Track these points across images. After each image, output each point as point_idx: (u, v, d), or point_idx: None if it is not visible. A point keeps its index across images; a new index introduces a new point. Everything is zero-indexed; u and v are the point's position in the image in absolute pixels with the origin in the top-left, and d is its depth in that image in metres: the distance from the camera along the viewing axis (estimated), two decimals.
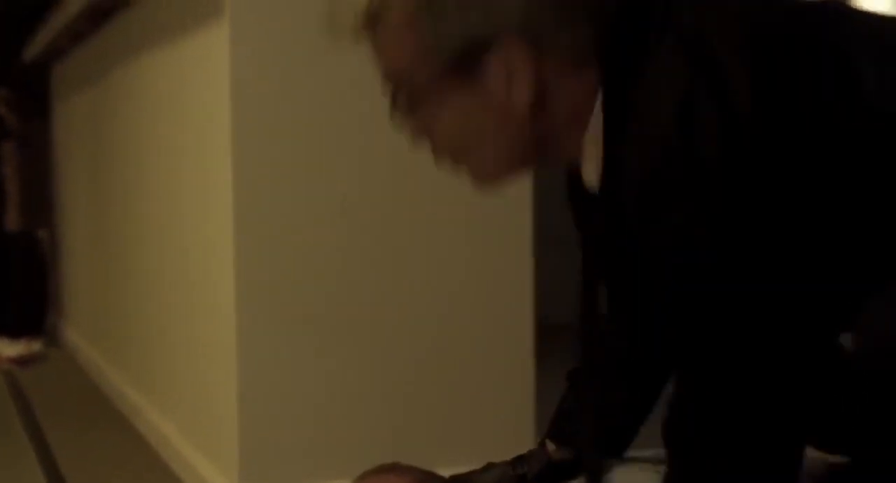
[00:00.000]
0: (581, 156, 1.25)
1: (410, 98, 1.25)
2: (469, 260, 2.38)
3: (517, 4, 1.19)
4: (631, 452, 1.55)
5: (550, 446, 1.56)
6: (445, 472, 1.56)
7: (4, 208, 5.03)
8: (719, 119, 1.09)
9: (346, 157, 2.29)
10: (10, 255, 4.91)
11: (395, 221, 2.32)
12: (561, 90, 1.22)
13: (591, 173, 1.25)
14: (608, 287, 1.35)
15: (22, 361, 4.44)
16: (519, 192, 2.41)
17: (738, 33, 1.15)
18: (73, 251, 4.69)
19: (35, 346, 4.61)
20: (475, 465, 1.56)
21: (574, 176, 1.32)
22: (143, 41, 3.08)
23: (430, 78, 1.23)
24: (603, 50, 1.20)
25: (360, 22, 1.24)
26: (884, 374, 1.18)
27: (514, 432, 2.38)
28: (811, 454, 1.27)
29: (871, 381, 1.19)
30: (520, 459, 1.57)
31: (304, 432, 2.27)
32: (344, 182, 2.28)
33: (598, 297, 1.35)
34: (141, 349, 3.26)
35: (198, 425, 2.58)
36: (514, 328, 2.42)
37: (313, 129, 2.26)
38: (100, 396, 3.73)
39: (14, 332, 5.07)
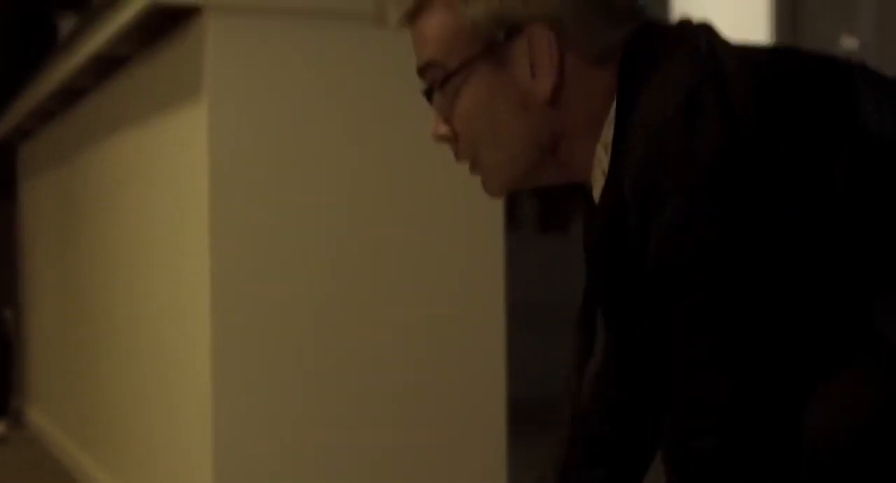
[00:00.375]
0: (591, 167, 1.31)
1: (442, 79, 1.32)
2: (441, 331, 2.41)
3: None
4: None
5: None
6: None
7: None
8: (721, 118, 1.15)
9: (323, 238, 2.32)
10: None
11: (370, 293, 2.35)
12: (580, 88, 1.29)
13: (599, 181, 1.30)
14: (604, 308, 1.39)
15: None
16: (491, 266, 2.44)
17: (746, 55, 1.24)
18: (39, 331, 4.68)
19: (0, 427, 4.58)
20: None
21: (588, 201, 1.38)
22: (117, 122, 3.12)
23: (463, 58, 1.31)
24: (623, 55, 1.27)
25: (407, 7, 1.33)
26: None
27: None
28: None
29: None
30: None
31: None
32: (320, 261, 2.31)
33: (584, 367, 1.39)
34: (113, 429, 3.26)
35: None
36: (486, 406, 2.44)
37: (290, 209, 2.29)
38: (67, 479, 3.70)
39: None
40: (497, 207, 2.46)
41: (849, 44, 6.82)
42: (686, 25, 1.30)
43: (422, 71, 1.36)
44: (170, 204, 2.57)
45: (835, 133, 1.18)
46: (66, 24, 5.31)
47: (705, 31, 1.28)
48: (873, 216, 1.18)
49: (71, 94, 3.65)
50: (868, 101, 1.21)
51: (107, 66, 3.05)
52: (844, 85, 1.23)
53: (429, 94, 1.36)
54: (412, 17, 1.34)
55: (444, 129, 1.38)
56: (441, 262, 2.41)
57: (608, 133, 1.28)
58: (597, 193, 1.32)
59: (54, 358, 4.29)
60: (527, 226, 6.27)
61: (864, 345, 1.17)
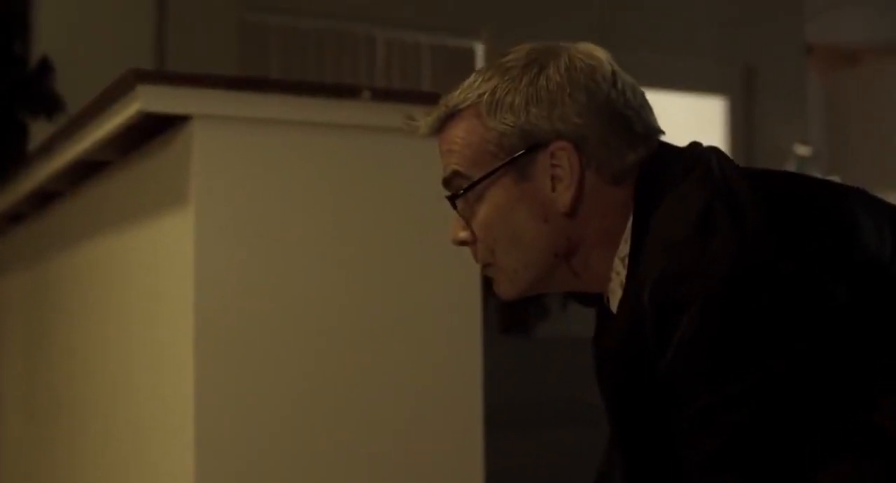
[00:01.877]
0: (607, 278, 1.39)
1: (466, 187, 1.41)
2: (419, 434, 2.45)
3: (577, 113, 1.36)
4: None
5: None
6: None
7: None
8: (733, 235, 1.23)
9: (311, 345, 2.36)
10: None
11: (350, 407, 2.39)
12: (597, 203, 1.38)
13: (617, 292, 1.37)
14: (615, 425, 1.46)
15: None
16: (469, 367, 2.50)
17: (752, 177, 1.33)
18: (5, 430, 4.66)
19: None
20: None
21: (601, 310, 1.45)
22: (94, 225, 3.16)
23: (487, 168, 1.40)
24: (640, 174, 1.37)
25: (439, 116, 1.43)
26: None
27: None
28: None
29: None
30: None
31: None
32: (306, 368, 2.36)
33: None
34: None
35: None
36: None
37: (277, 315, 2.34)
38: None
39: None
40: (474, 309, 2.52)
41: (802, 151, 6.99)
42: (697, 148, 1.40)
43: (447, 180, 1.44)
44: (152, 309, 2.61)
45: (839, 251, 1.26)
46: (37, 127, 5.38)
47: (715, 154, 1.37)
48: (873, 331, 1.25)
49: (44, 198, 3.69)
50: (867, 222, 1.30)
51: (84, 170, 3.10)
52: (844, 207, 1.32)
53: (452, 200, 1.44)
54: (443, 125, 1.43)
55: (463, 234, 1.46)
56: (419, 363, 2.47)
57: (624, 247, 1.35)
58: (614, 304, 1.39)
59: (23, 457, 4.27)
60: (488, 327, 6.31)
61: (864, 436, 1.23)
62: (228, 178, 2.34)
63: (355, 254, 2.43)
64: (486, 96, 1.40)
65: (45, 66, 5.29)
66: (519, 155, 1.38)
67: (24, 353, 4.24)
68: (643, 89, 1.43)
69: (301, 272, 2.37)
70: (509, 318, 6.09)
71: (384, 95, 2.47)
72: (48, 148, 3.11)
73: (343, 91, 2.44)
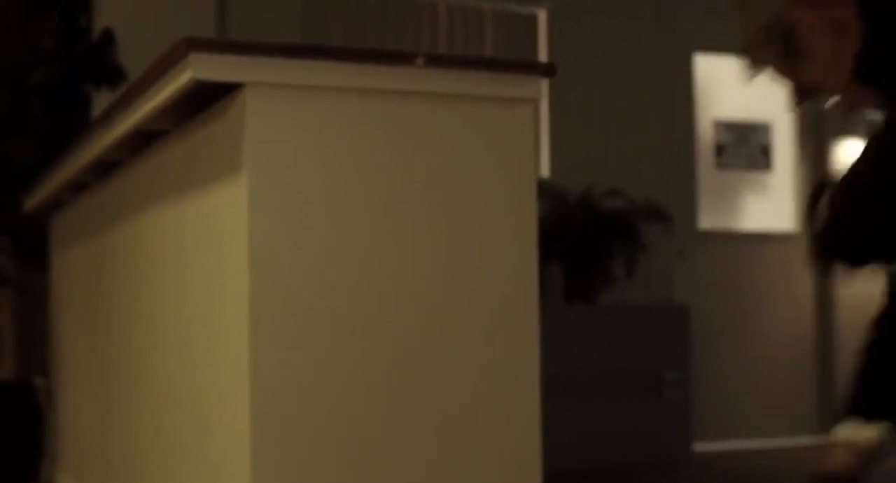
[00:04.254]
0: None
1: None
2: (475, 407, 2.44)
3: None
4: None
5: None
6: None
7: (0, 356, 5.07)
8: None
9: (366, 312, 2.36)
10: (6, 403, 4.94)
11: (408, 373, 2.38)
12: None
13: None
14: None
15: None
16: (526, 335, 2.48)
17: None
18: (69, 399, 4.72)
19: None
20: None
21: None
22: (152, 196, 3.17)
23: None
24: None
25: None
26: None
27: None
28: None
29: None
30: None
31: None
32: (363, 338, 2.35)
33: None
34: None
35: None
36: (521, 476, 2.47)
37: (331, 284, 2.34)
38: None
39: (9, 480, 5.07)
40: (531, 277, 2.50)
41: None
42: None
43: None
44: (206, 280, 2.62)
45: None
46: (99, 98, 5.42)
47: None
48: None
49: (105, 167, 3.72)
50: None
51: (143, 140, 3.12)
52: None
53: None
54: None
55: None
56: (476, 331, 2.45)
57: None
58: None
59: (84, 425, 4.32)
60: (554, 296, 6.30)
61: None
62: (282, 146, 2.33)
63: (411, 222, 2.41)
64: None
65: (108, 38, 5.32)
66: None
67: (87, 323, 4.28)
68: None
69: (356, 241, 2.36)
70: (573, 286, 6.06)
71: (438, 61, 2.45)
72: (107, 117, 3.12)
73: (397, 57, 2.42)
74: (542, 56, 6.61)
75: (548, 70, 2.53)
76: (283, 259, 2.31)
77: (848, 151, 7.04)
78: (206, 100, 2.56)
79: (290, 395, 2.30)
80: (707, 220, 6.88)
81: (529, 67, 2.51)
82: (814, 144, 7.12)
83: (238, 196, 2.36)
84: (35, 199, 4.79)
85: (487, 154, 2.50)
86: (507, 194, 2.51)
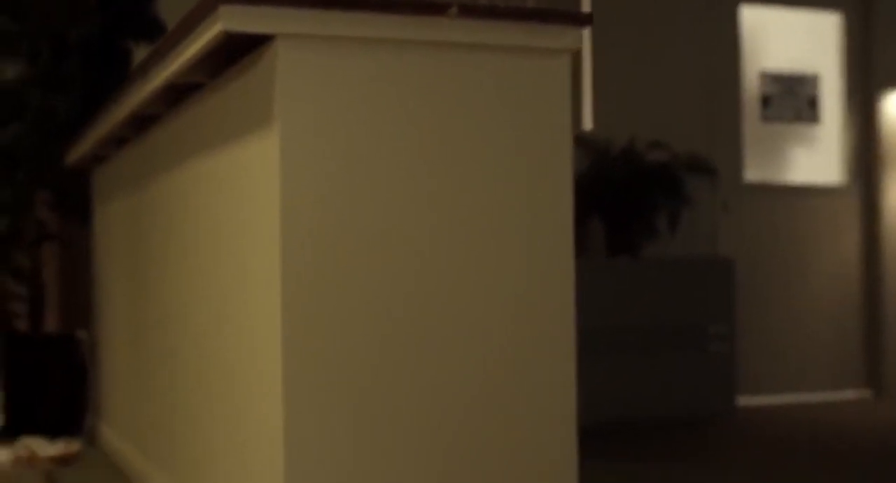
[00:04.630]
0: None
1: None
2: (510, 355, 2.43)
3: None
4: None
5: None
6: None
7: (44, 310, 5.10)
8: None
9: (397, 266, 2.34)
10: (50, 356, 4.98)
11: (438, 319, 2.37)
12: None
13: None
14: None
15: (62, 461, 4.47)
16: (561, 291, 2.46)
17: None
18: (111, 352, 4.75)
19: (73, 446, 4.64)
20: None
21: None
22: (188, 149, 3.17)
23: None
24: None
25: None
26: None
27: None
28: None
29: None
30: None
31: None
32: (393, 288, 2.34)
33: None
34: (181, 449, 3.30)
35: None
36: (556, 429, 2.45)
37: (364, 237, 2.32)
38: None
39: (53, 432, 5.12)
40: (566, 232, 2.47)
41: None
42: None
43: None
44: (239, 233, 2.61)
45: None
46: (139, 52, 5.41)
47: None
48: None
49: (143, 121, 3.72)
50: None
51: (179, 93, 3.11)
52: None
53: None
54: None
55: None
56: (511, 283, 2.43)
57: None
58: None
59: (125, 378, 4.35)
60: (596, 250, 6.27)
61: None
62: (313, 97, 2.31)
63: (444, 175, 2.39)
64: None
65: None
66: None
67: (126, 277, 4.30)
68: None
69: (388, 192, 2.35)
70: (616, 240, 6.03)
71: (472, 11, 2.41)
72: (143, 70, 3.11)
73: (430, 7, 2.39)
74: (586, 6, 6.53)
75: (584, 19, 2.49)
76: (315, 210, 2.30)
77: None
78: (239, 52, 2.54)
79: (321, 343, 2.29)
80: (752, 173, 6.81)
81: (564, 17, 2.47)
82: (862, 96, 7.02)
83: (270, 148, 2.34)
84: (76, 153, 4.80)
85: (522, 106, 2.47)
86: (542, 147, 2.47)
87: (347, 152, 2.33)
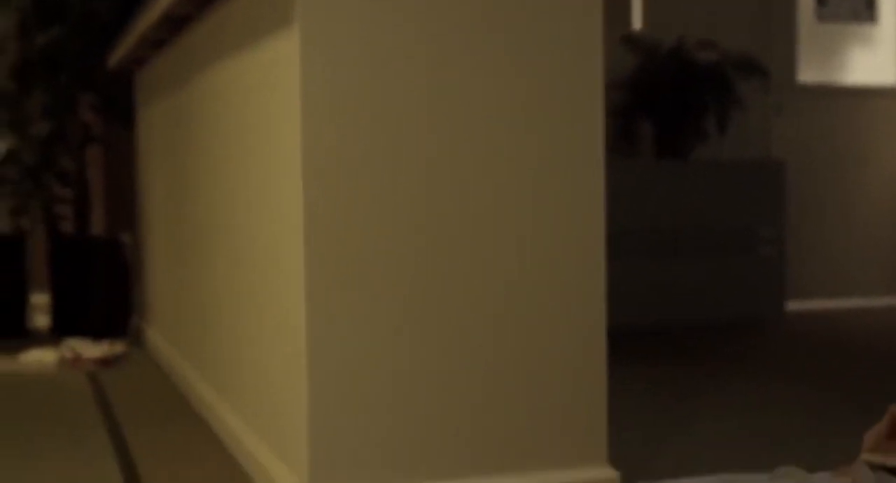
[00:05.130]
0: None
1: None
2: (541, 261, 2.40)
3: None
4: None
5: None
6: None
7: (89, 212, 5.13)
8: None
9: (418, 164, 2.31)
10: (95, 259, 5.02)
11: (461, 226, 2.34)
12: None
13: None
14: None
15: (105, 362, 4.53)
16: (590, 195, 2.42)
17: None
18: (153, 254, 4.78)
19: (118, 347, 4.70)
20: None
21: None
22: (217, 49, 3.14)
23: None
24: None
25: None
26: None
27: (587, 428, 2.40)
28: None
29: None
30: None
31: (376, 432, 2.30)
32: (415, 191, 2.31)
33: None
34: (214, 348, 3.32)
35: (269, 425, 2.63)
36: (586, 328, 2.43)
37: (384, 135, 2.29)
38: (177, 396, 3.80)
39: (98, 334, 5.18)
40: (597, 132, 2.42)
41: None
42: None
43: None
44: (266, 133, 2.59)
45: None
46: None
47: None
48: None
49: (177, 22, 3.69)
50: None
51: None
52: None
53: None
54: None
55: None
56: (541, 186, 2.39)
57: None
58: None
59: (166, 281, 4.38)
60: (644, 152, 6.19)
61: None
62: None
63: (469, 80, 2.34)
64: None
65: None
66: None
67: (166, 179, 4.31)
68: None
69: (409, 94, 2.30)
70: (665, 141, 5.95)
71: None
72: None
73: None
74: None
75: None
76: (337, 113, 2.26)
77: None
78: None
79: (342, 243, 2.27)
80: (807, 74, 6.68)
81: None
82: None
83: (291, 48, 2.30)
84: (117, 56, 4.79)
85: (552, 42, 2.40)
86: (572, 47, 2.42)
87: (368, 52, 2.29)
